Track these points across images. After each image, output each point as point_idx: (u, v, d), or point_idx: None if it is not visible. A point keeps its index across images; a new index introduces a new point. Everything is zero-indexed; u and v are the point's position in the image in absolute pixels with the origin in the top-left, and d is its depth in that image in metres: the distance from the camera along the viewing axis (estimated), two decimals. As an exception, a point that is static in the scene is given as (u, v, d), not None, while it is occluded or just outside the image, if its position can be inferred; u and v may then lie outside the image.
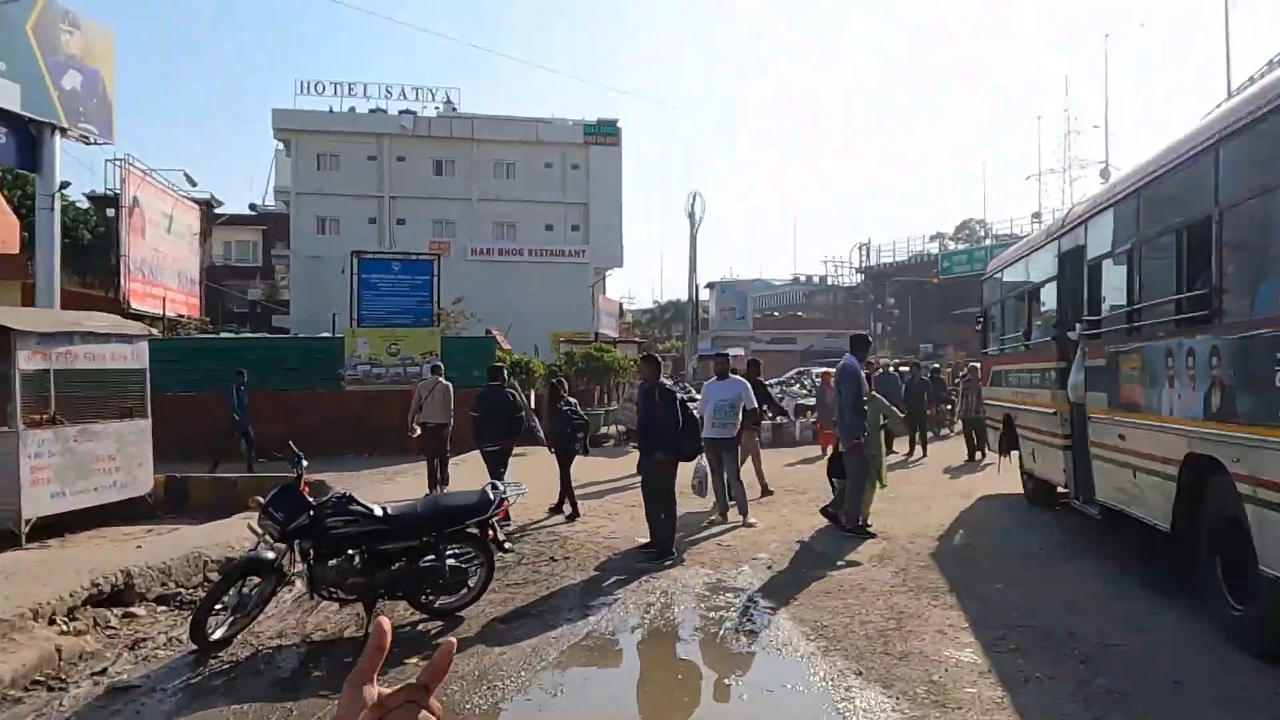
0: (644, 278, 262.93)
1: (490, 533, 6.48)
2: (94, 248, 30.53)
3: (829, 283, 72.38)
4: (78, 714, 4.83)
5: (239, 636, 5.86)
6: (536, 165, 45.18)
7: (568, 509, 10.21)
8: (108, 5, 70.82)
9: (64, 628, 6.03)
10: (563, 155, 45.49)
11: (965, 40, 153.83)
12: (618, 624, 6.19)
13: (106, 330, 11.02)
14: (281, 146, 44.81)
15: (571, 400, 10.96)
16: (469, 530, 6.38)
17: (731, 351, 23.72)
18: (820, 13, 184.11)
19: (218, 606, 5.81)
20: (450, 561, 6.22)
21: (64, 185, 18.78)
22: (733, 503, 9.82)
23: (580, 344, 27.22)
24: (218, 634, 5.75)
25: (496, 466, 9.83)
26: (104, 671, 5.45)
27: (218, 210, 40.29)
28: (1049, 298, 9.45)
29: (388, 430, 15.08)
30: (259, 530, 6.04)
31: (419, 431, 11.42)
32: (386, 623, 0.94)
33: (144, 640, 6.05)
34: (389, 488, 11.84)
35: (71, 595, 6.35)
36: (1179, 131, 6.20)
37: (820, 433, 16.63)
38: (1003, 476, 11.36)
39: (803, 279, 77.52)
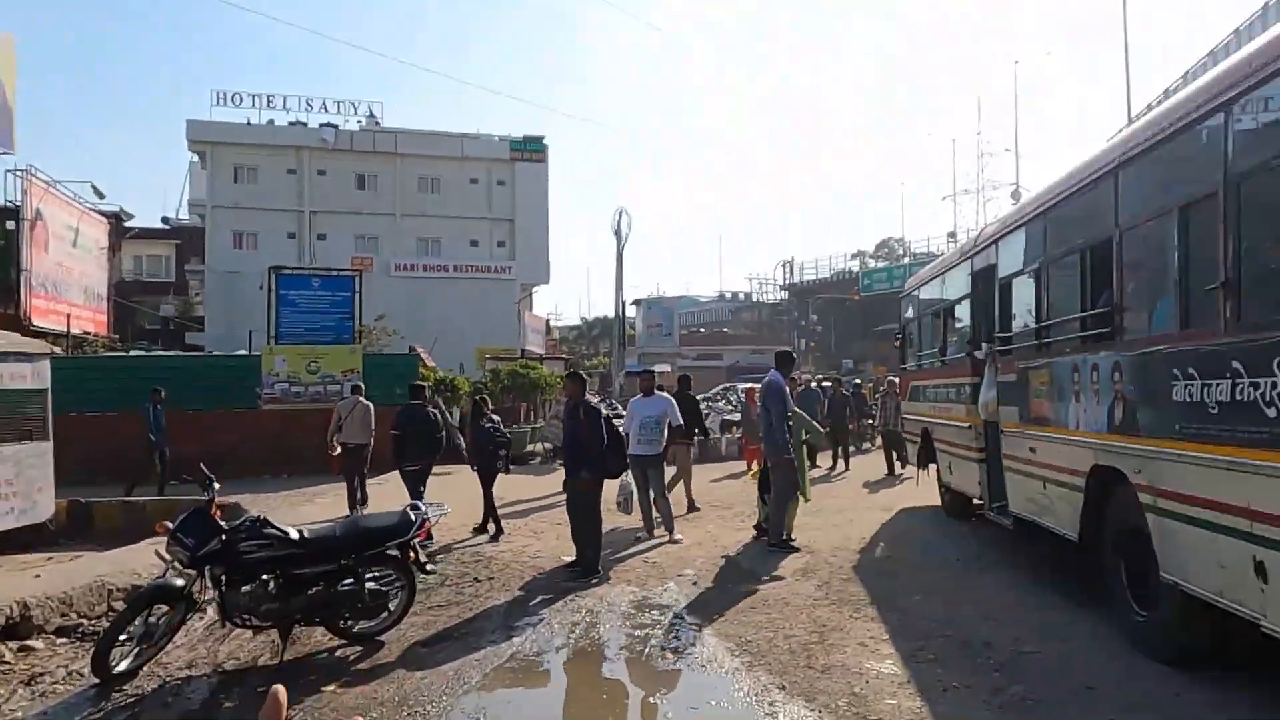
0: (571, 294, 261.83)
1: (411, 554, 6.36)
2: (-8, 263, 29.11)
3: (754, 299, 73.52)
4: (-34, 756, 4.56)
5: (145, 668, 5.60)
6: (462, 181, 44.89)
7: (491, 528, 10.10)
8: (6, 9, 67.85)
9: (-48, 664, 5.69)
10: (489, 171, 45.32)
11: (885, 66, 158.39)
12: (543, 644, 6.12)
13: (3, 349, 10.47)
14: (196, 159, 43.52)
15: (495, 418, 10.86)
16: (389, 552, 6.25)
17: (658, 368, 23.80)
18: (745, 31, 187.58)
19: (122, 637, 5.53)
20: (370, 585, 6.08)
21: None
22: (659, 519, 9.83)
23: (506, 361, 27.08)
24: (122, 665, 5.48)
25: (416, 486, 9.66)
26: (-4, 710, 5.15)
27: (128, 224, 38.87)
28: (964, 315, 9.71)
29: (307, 450, 14.75)
30: (167, 556, 5.79)
31: (339, 451, 11.18)
32: (282, 692, 0.90)
33: (41, 675, 5.73)
34: (308, 509, 11.53)
35: (-39, 629, 5.99)
36: (1084, 155, 6.46)
37: (745, 448, 16.79)
38: (921, 489, 11.64)
39: (728, 296, 78.55)
